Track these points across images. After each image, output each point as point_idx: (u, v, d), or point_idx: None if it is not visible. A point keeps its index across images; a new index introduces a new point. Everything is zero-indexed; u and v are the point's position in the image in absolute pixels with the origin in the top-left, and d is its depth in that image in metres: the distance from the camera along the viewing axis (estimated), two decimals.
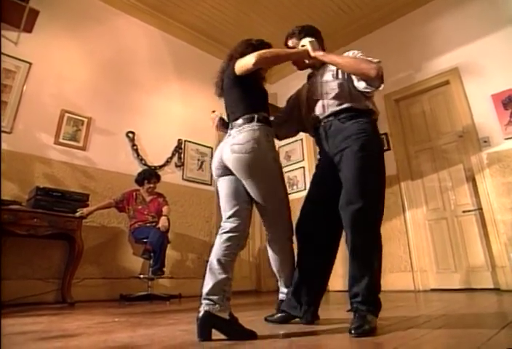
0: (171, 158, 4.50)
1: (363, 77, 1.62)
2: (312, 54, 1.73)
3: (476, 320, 1.66)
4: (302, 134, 6.15)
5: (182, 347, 1.13)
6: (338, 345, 1.15)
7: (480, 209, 3.65)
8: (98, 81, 4.11)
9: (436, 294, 3.46)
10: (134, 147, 4.18)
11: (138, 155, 4.19)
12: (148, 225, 3.52)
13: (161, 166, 4.35)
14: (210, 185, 4.83)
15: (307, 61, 1.84)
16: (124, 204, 3.59)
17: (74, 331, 1.54)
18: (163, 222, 3.40)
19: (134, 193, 3.68)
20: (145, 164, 4.20)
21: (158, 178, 3.80)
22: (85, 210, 3.22)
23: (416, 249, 3.99)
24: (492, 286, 3.44)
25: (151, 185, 3.72)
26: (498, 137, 3.62)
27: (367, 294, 1.43)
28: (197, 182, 4.70)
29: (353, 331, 1.27)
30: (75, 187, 3.55)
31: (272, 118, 1.85)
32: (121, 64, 4.38)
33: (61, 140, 3.64)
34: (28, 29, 3.61)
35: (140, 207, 3.62)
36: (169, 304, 3.12)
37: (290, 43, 1.95)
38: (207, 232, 4.62)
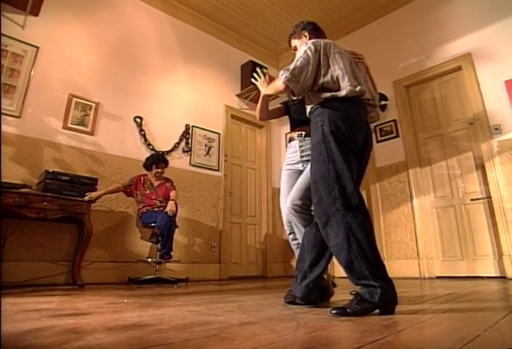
0: (178, 143, 4.50)
1: (283, 93, 1.79)
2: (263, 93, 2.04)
3: (482, 305, 1.67)
4: None
5: (191, 326, 1.16)
6: (344, 326, 1.17)
7: (489, 197, 3.63)
8: (106, 65, 4.10)
9: (442, 281, 3.47)
10: (142, 132, 4.19)
11: (146, 140, 4.20)
12: (155, 209, 3.54)
13: (168, 152, 4.36)
14: (217, 170, 4.84)
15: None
16: (132, 189, 3.62)
17: (86, 310, 1.58)
18: (170, 206, 3.43)
19: (142, 178, 3.69)
20: (153, 149, 4.21)
21: (166, 163, 3.81)
22: (93, 194, 3.25)
23: (423, 236, 3.99)
24: (498, 275, 3.45)
25: (159, 170, 3.72)
26: (510, 125, 3.56)
27: (352, 277, 1.44)
28: (204, 168, 4.71)
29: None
30: (83, 171, 3.58)
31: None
32: (128, 48, 4.34)
33: (69, 125, 3.65)
34: (35, 12, 3.58)
35: (147, 192, 3.63)
36: (177, 287, 3.17)
37: (292, 43, 2.05)
38: (214, 217, 4.65)
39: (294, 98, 1.85)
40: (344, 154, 1.52)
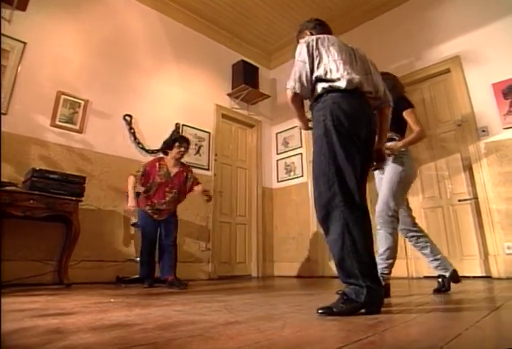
0: None
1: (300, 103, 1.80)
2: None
3: (467, 304, 1.69)
4: None
5: (177, 325, 1.15)
6: (330, 325, 1.17)
7: (476, 198, 3.68)
8: (95, 62, 4.05)
9: (430, 281, 3.50)
10: (132, 131, 4.15)
11: (135, 138, 4.16)
12: (163, 207, 3.12)
13: (158, 150, 4.32)
14: (207, 169, 4.83)
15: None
16: (144, 179, 3.17)
17: (71, 309, 1.56)
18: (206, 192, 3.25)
19: (157, 164, 3.17)
20: (142, 148, 4.18)
21: (189, 145, 3.35)
22: (130, 203, 3.07)
23: None
24: (484, 274, 3.50)
25: (182, 150, 3.22)
26: (497, 127, 3.61)
27: (342, 274, 1.45)
28: (194, 167, 4.67)
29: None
30: (71, 169, 3.53)
31: None
32: (118, 46, 4.30)
33: (57, 122, 3.60)
34: (22, 7, 3.52)
35: (162, 181, 3.13)
36: (165, 286, 3.14)
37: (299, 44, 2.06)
38: (204, 217, 4.63)
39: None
40: (346, 149, 1.51)
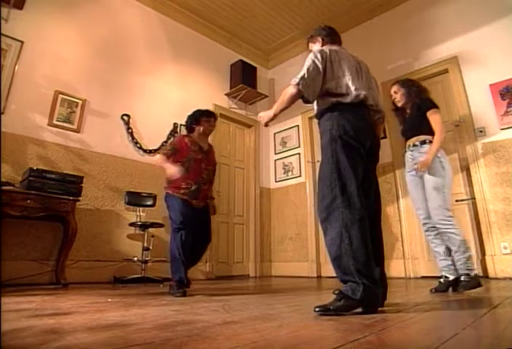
0: (166, 142, 4.46)
1: (293, 102, 1.75)
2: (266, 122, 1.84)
3: (464, 305, 1.70)
4: (298, 120, 6.05)
5: (174, 325, 1.15)
6: (326, 325, 1.17)
7: (473, 198, 3.68)
8: (93, 62, 4.04)
9: (427, 281, 3.51)
10: (129, 131, 4.14)
11: (133, 138, 4.15)
12: (201, 186, 2.65)
13: (155, 150, 4.32)
14: None
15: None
16: (179, 156, 2.66)
17: (67, 309, 1.56)
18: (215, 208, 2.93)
19: (185, 139, 2.73)
20: (140, 147, 4.17)
21: (216, 119, 2.95)
22: (174, 171, 2.48)
23: (408, 236, 4.03)
24: (481, 274, 3.50)
25: (211, 123, 2.83)
26: (494, 127, 3.62)
27: (339, 272, 1.49)
28: None
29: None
30: (69, 169, 3.52)
31: None
32: (116, 45, 4.29)
33: (55, 122, 3.59)
34: (19, 6, 3.50)
35: (198, 156, 2.69)
36: (163, 286, 3.14)
37: (309, 46, 2.11)
38: None
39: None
40: (349, 156, 1.59)
